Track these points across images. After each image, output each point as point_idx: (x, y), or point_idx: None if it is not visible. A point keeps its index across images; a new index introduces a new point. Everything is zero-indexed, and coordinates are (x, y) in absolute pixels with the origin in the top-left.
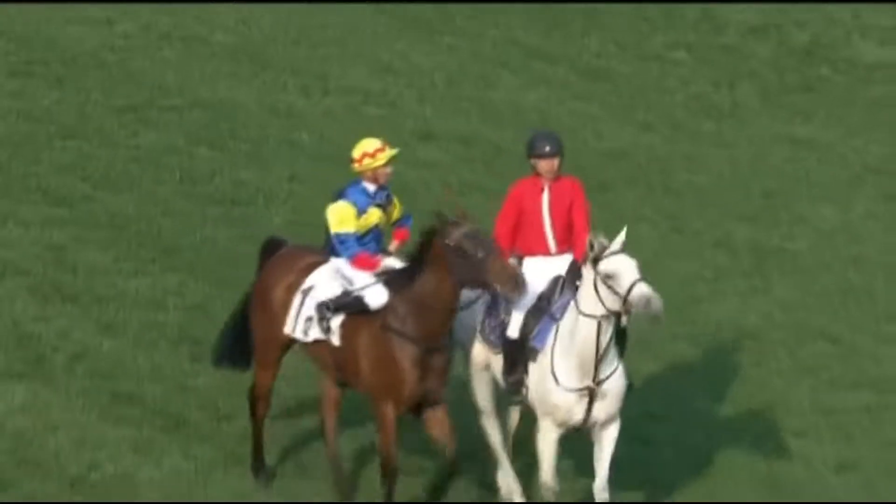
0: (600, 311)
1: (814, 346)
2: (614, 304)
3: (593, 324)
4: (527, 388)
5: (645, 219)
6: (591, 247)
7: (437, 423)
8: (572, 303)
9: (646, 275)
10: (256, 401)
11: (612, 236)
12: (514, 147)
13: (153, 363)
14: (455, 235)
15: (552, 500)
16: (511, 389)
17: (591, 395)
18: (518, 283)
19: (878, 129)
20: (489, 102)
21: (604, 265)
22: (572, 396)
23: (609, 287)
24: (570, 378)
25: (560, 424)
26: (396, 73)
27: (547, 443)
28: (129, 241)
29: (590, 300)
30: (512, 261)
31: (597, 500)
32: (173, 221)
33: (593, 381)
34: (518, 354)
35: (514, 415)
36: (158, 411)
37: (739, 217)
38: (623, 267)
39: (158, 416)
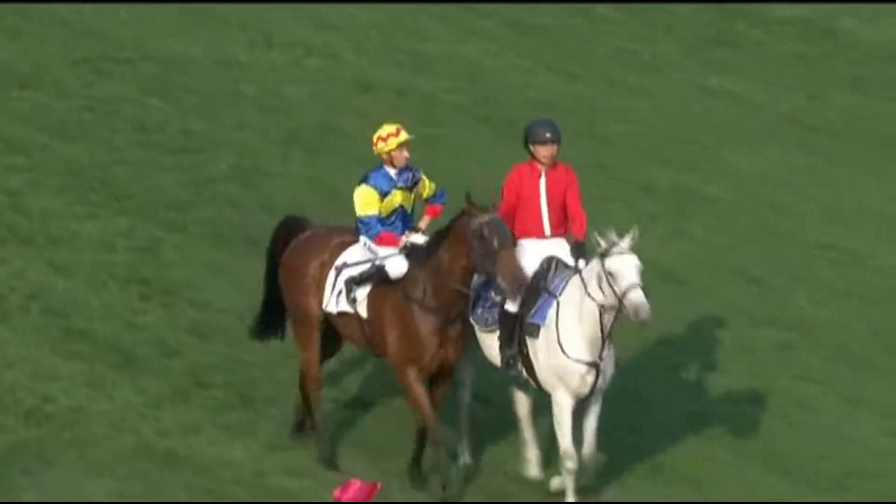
0: (601, 300)
1: (732, 286)
2: (612, 299)
3: (596, 308)
4: (521, 364)
5: (576, 164)
6: (600, 243)
7: (437, 394)
8: (576, 280)
9: (644, 279)
10: (307, 384)
11: (621, 233)
12: (447, 97)
13: (104, 302)
14: (479, 221)
15: (572, 467)
16: (507, 364)
17: (598, 369)
18: (518, 285)
19: (791, 81)
20: (423, 54)
21: (609, 263)
22: (583, 367)
23: (609, 284)
24: (579, 351)
25: (573, 394)
26: (336, 28)
27: (563, 413)
28: (83, 187)
29: (595, 288)
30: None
31: (588, 465)
32: (125, 168)
33: (599, 357)
34: (514, 330)
35: (524, 399)
36: (109, 347)
37: (662, 163)
38: (624, 269)
39: (109, 352)
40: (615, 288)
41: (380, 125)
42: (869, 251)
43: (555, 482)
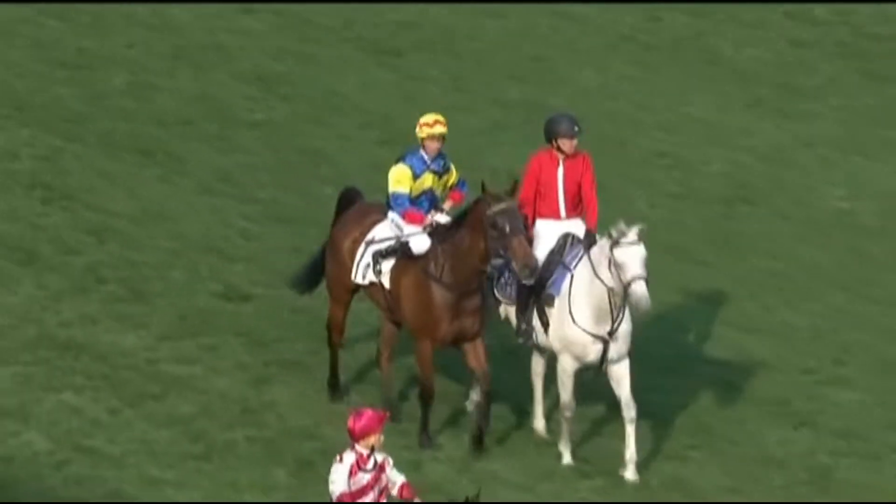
0: (610, 283)
1: None
2: (617, 286)
3: (605, 289)
4: (535, 331)
5: (431, 79)
6: (612, 234)
7: (473, 353)
8: (587, 259)
9: (648, 271)
10: (332, 330)
11: (630, 222)
12: (321, 19)
13: (10, 206)
14: (495, 208)
15: (570, 416)
16: (522, 332)
17: (605, 343)
18: (530, 269)
19: (631, 2)
20: None
21: (617, 252)
22: (588, 337)
23: (615, 272)
24: (587, 322)
25: (576, 359)
26: None
27: (566, 374)
28: None
29: (604, 270)
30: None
31: (626, 420)
32: (26, 82)
33: (609, 333)
34: (529, 301)
35: (540, 364)
36: (14, 247)
37: (512, 78)
38: (630, 260)
39: (14, 251)
40: (620, 276)
41: (424, 113)
42: (698, 157)
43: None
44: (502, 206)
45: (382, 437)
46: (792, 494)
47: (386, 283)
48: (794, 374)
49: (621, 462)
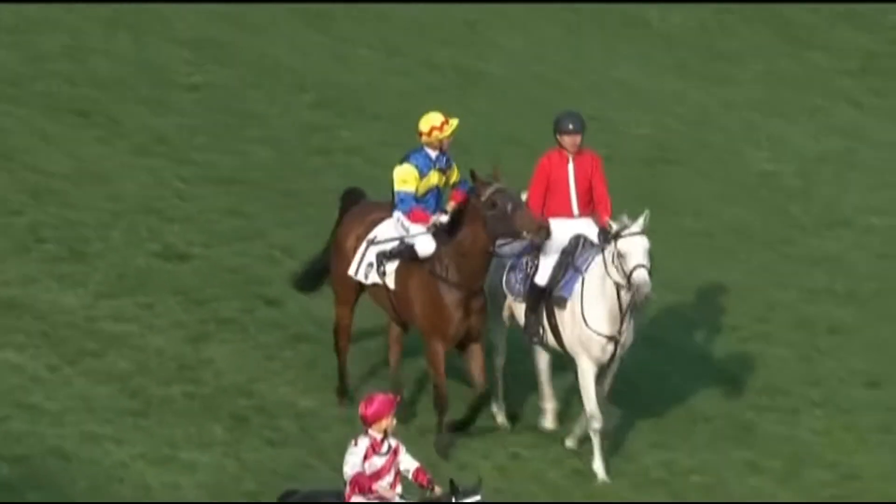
0: (616, 278)
1: (510, 152)
2: (621, 278)
3: (614, 284)
4: (544, 330)
5: (364, 43)
6: (611, 226)
7: (473, 359)
8: (599, 260)
9: (650, 259)
10: (338, 334)
11: (634, 216)
12: None
13: None
14: (487, 192)
15: (598, 427)
16: (531, 331)
17: (616, 343)
18: (543, 229)
19: None
20: None
21: (620, 244)
22: (603, 339)
23: (619, 263)
24: (600, 324)
25: (594, 360)
26: None
27: (586, 377)
28: None
29: (612, 267)
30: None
31: (595, 427)
32: None
33: (619, 332)
34: (540, 300)
35: (544, 357)
36: None
37: (444, 42)
38: (632, 250)
39: None
40: (623, 267)
41: (426, 114)
42: (625, 119)
43: (568, 441)
44: (494, 186)
45: (395, 421)
46: (716, 449)
47: (391, 284)
48: (718, 331)
49: (571, 431)
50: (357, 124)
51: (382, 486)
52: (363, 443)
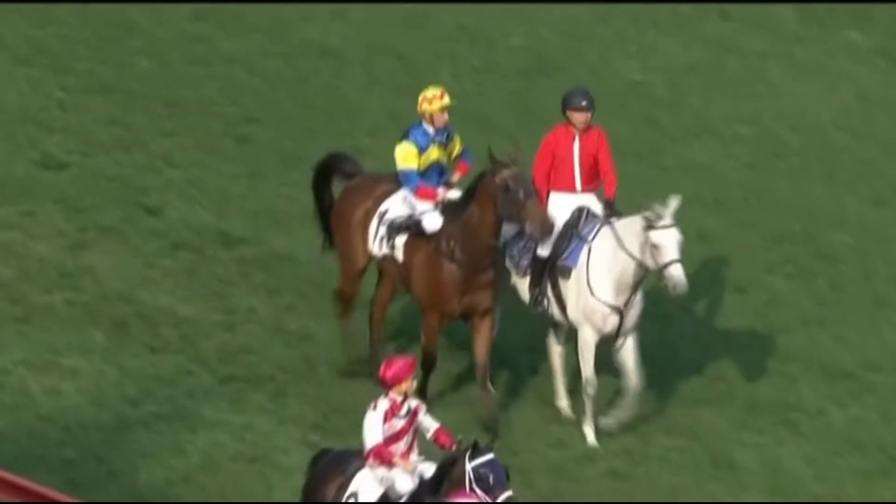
0: (640, 258)
1: (384, 62)
2: (652, 265)
3: (631, 262)
4: (548, 300)
5: None
6: (649, 216)
7: (478, 335)
8: (608, 230)
9: (683, 255)
10: (342, 304)
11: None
12: None
13: None
14: (503, 174)
15: (592, 393)
16: (535, 302)
17: (622, 314)
18: (547, 227)
19: None
20: None
21: (654, 235)
22: (606, 308)
23: (652, 255)
24: (606, 293)
25: (597, 330)
26: None
27: (587, 346)
28: None
29: (634, 245)
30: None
31: (630, 385)
32: None
33: (624, 304)
34: (543, 272)
35: (555, 343)
36: None
37: None
38: (668, 244)
39: None
40: (657, 259)
41: (427, 87)
42: (499, 31)
43: (603, 421)
44: (511, 170)
45: (415, 384)
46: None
47: (399, 257)
48: None
49: (609, 415)
50: (236, 34)
51: (399, 449)
52: (382, 405)
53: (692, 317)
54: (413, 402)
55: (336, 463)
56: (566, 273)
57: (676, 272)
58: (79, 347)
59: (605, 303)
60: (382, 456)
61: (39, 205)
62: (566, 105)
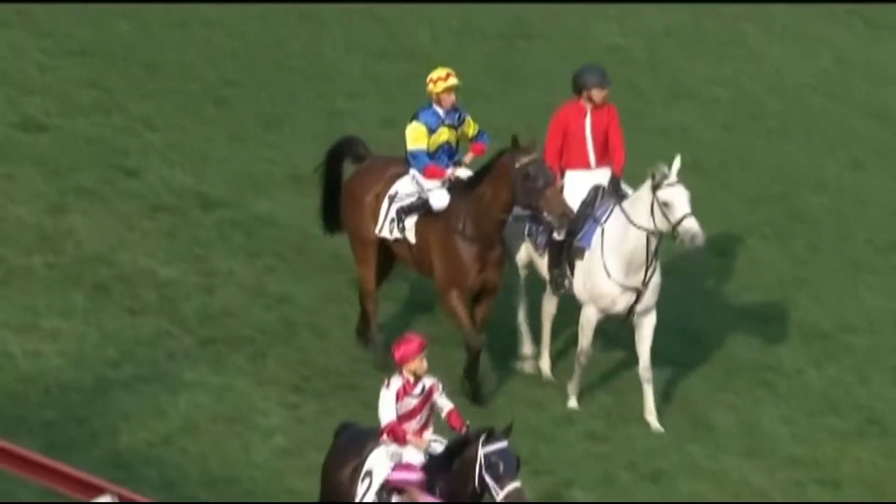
0: (651, 227)
1: (363, 25)
2: (665, 227)
3: (642, 235)
4: (569, 281)
5: None
6: (654, 176)
7: (480, 310)
8: (618, 210)
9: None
10: (365, 298)
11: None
12: None
13: None
14: (524, 160)
15: (584, 363)
16: (555, 282)
17: (638, 294)
18: (565, 216)
19: None
20: None
21: (662, 194)
22: (618, 289)
23: (663, 213)
24: (620, 274)
25: (601, 311)
26: None
27: (588, 322)
28: None
29: (643, 216)
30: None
31: (642, 380)
32: None
33: (642, 283)
34: (562, 253)
35: (551, 305)
36: None
37: None
38: (678, 199)
39: None
40: (669, 217)
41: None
42: None
43: (650, 418)
44: (532, 157)
45: (425, 363)
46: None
47: (411, 238)
48: None
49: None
50: None
51: (412, 427)
52: (395, 384)
53: (670, 279)
54: (428, 381)
55: (353, 444)
56: (581, 254)
57: (691, 224)
58: (59, 309)
59: (618, 283)
60: (395, 433)
61: (19, 167)
62: (584, 84)
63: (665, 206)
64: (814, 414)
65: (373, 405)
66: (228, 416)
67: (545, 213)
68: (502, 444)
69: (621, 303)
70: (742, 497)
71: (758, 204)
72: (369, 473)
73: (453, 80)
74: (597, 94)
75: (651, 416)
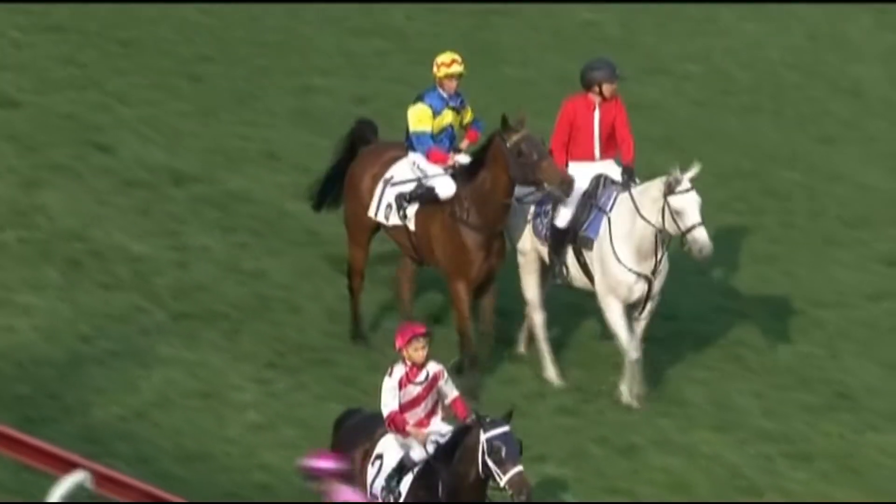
0: (659, 225)
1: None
2: (674, 230)
3: (649, 229)
4: (567, 270)
5: None
6: (668, 181)
7: (486, 297)
8: (624, 198)
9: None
10: (352, 275)
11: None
12: None
13: None
14: (514, 139)
15: (636, 356)
16: (556, 271)
17: (650, 282)
18: (566, 183)
19: None
20: None
21: (674, 200)
22: (632, 276)
23: (673, 219)
24: (631, 261)
25: (622, 300)
26: None
27: (614, 315)
28: None
29: (653, 213)
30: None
31: (632, 358)
32: None
33: (652, 272)
34: (562, 242)
35: (538, 316)
36: None
37: None
38: (688, 207)
39: None
40: (679, 224)
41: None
42: None
43: (623, 394)
44: (521, 134)
45: (423, 352)
46: None
47: (411, 226)
48: None
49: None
50: None
51: (417, 415)
52: (398, 372)
53: None
54: (433, 369)
55: (364, 427)
56: (589, 244)
57: (700, 235)
58: (32, 284)
59: (630, 270)
60: (396, 423)
61: None
62: (597, 79)
63: (676, 213)
64: (784, 388)
65: (346, 380)
66: (202, 392)
67: (545, 185)
68: (504, 429)
69: (637, 291)
70: (713, 471)
71: (730, 179)
72: (380, 457)
73: (457, 68)
74: (607, 89)
75: (632, 392)
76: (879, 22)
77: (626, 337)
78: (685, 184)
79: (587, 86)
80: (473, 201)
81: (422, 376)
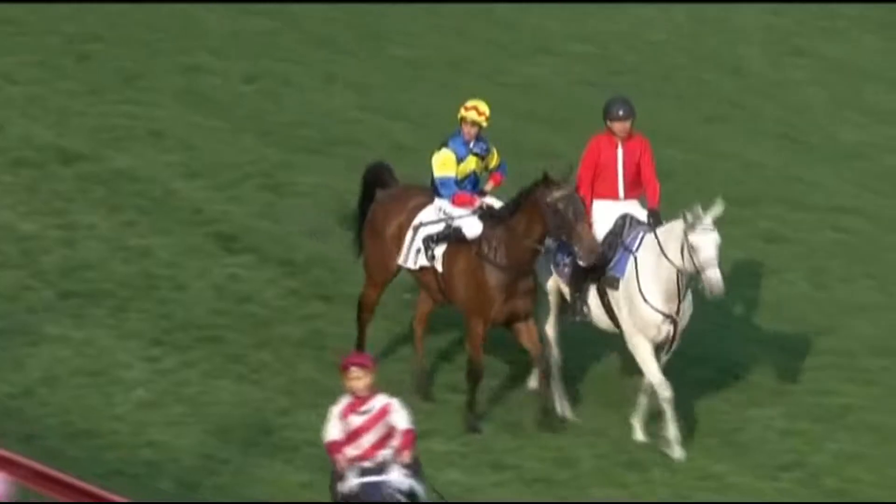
0: (680, 265)
1: None
2: (691, 268)
3: (673, 269)
4: (588, 308)
5: None
6: (687, 218)
7: (525, 333)
8: (652, 241)
9: (721, 258)
10: (362, 311)
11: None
12: None
13: None
14: (555, 195)
15: (669, 395)
16: (577, 308)
17: (675, 323)
18: (593, 252)
19: None
20: None
21: (692, 237)
22: (659, 317)
23: (691, 256)
24: (658, 301)
25: (650, 340)
26: None
27: (644, 354)
28: None
29: (675, 252)
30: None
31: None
32: None
33: (676, 312)
34: (584, 280)
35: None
36: None
37: None
38: (706, 246)
39: None
40: (695, 260)
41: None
42: None
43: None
44: (563, 191)
45: (361, 383)
46: None
47: (439, 267)
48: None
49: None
50: None
51: (361, 446)
52: (343, 402)
53: None
54: (382, 401)
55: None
56: (614, 284)
57: (714, 275)
58: None
59: (657, 310)
60: (331, 451)
61: None
62: (606, 115)
63: (693, 249)
64: (670, 364)
65: (234, 357)
66: (89, 370)
67: (576, 248)
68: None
69: (664, 331)
70: (599, 447)
71: None
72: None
73: (474, 116)
74: (616, 127)
75: (675, 444)
76: (762, 5)
77: (658, 376)
78: (707, 223)
79: (605, 124)
80: (503, 241)
81: (366, 407)
